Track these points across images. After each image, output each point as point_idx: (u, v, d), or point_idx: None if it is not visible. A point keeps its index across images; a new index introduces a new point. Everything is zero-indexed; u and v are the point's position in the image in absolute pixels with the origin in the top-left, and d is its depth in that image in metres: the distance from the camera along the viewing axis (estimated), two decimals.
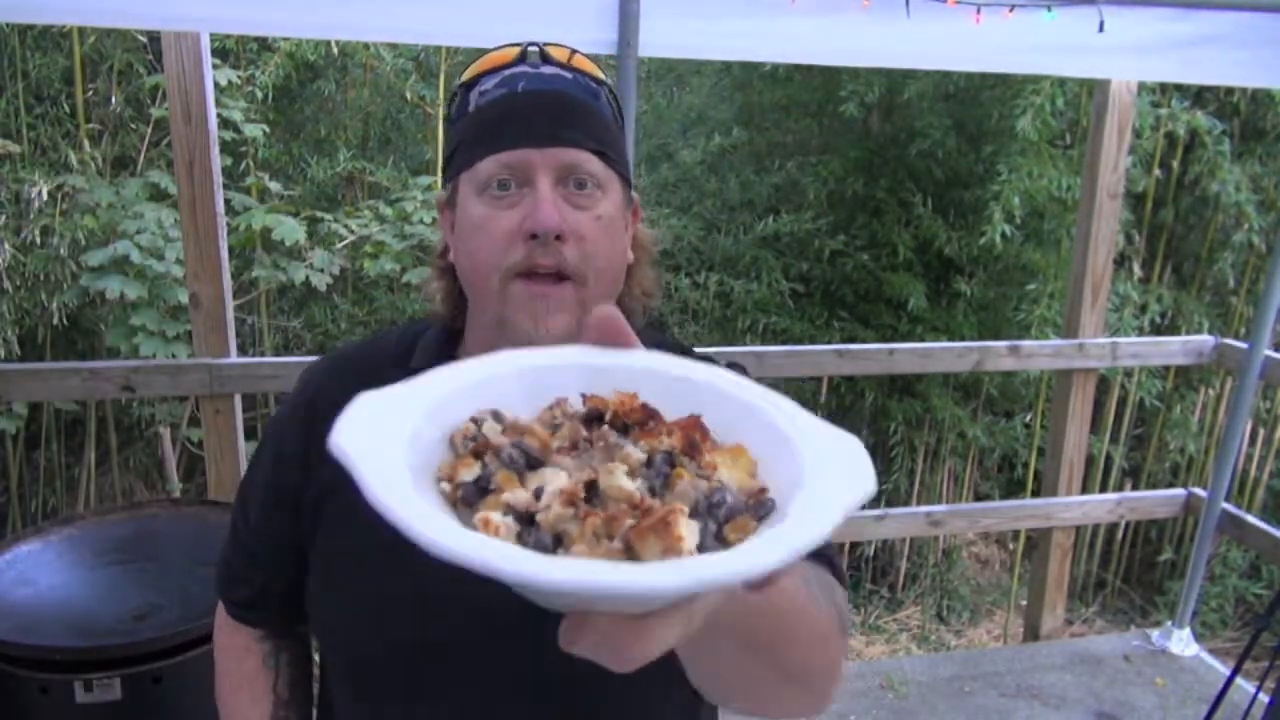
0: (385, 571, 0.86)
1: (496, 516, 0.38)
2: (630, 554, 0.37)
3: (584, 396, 0.45)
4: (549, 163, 0.88)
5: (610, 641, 0.38)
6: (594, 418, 0.44)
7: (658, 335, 1.11)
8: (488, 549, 0.35)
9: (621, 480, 0.39)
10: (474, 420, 0.44)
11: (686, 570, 0.34)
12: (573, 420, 0.44)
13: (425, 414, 0.44)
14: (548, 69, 0.92)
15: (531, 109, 0.89)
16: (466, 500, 0.40)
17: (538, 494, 0.40)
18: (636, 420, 0.44)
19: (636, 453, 0.42)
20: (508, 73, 0.92)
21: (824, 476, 0.41)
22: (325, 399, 0.99)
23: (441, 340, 1.02)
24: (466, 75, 0.95)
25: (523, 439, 0.42)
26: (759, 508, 0.41)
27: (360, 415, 0.42)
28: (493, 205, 0.89)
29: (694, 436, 0.43)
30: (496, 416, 0.44)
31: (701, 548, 0.38)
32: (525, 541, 0.38)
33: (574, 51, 0.95)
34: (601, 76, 0.96)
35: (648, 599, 0.37)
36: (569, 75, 0.92)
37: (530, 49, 0.93)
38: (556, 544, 0.38)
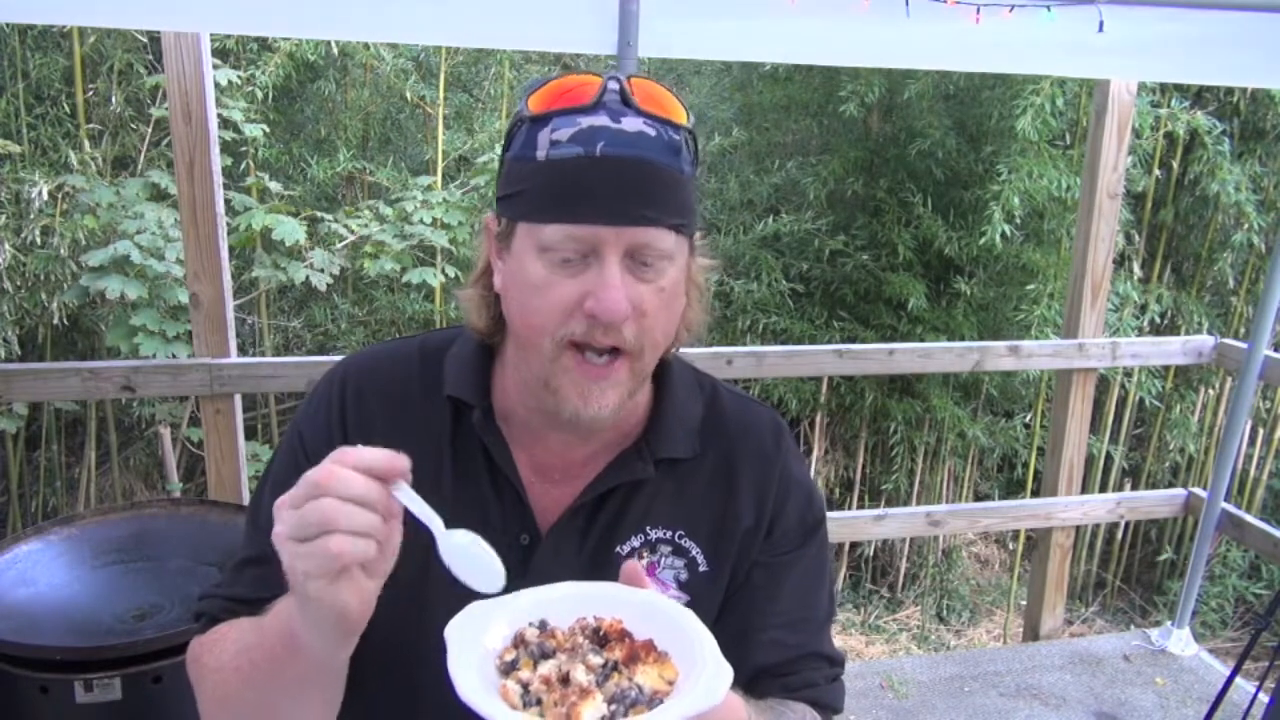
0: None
1: (512, 684, 0.70)
2: (568, 717, 0.68)
3: (595, 618, 0.77)
4: (622, 241, 0.84)
5: None
6: (597, 630, 0.76)
7: (701, 388, 1.07)
8: (490, 707, 0.66)
9: (580, 675, 0.70)
10: (529, 623, 0.76)
11: None
12: (584, 632, 0.75)
13: (508, 615, 0.77)
14: (629, 121, 0.84)
15: (609, 180, 0.83)
16: (503, 671, 0.72)
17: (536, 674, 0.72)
18: (615, 636, 0.75)
19: (595, 659, 0.72)
20: (585, 123, 0.84)
21: (692, 690, 0.70)
22: (355, 427, 0.99)
23: (477, 360, 0.99)
24: (536, 107, 0.87)
25: (546, 641, 0.74)
26: (652, 702, 0.70)
27: (469, 613, 0.75)
28: (554, 270, 0.85)
29: (638, 652, 0.73)
30: (542, 624, 0.76)
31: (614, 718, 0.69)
32: (526, 700, 0.69)
33: (650, 79, 0.89)
34: (683, 120, 0.88)
35: None
36: (652, 131, 0.85)
37: (609, 89, 0.85)
38: (537, 704, 0.69)
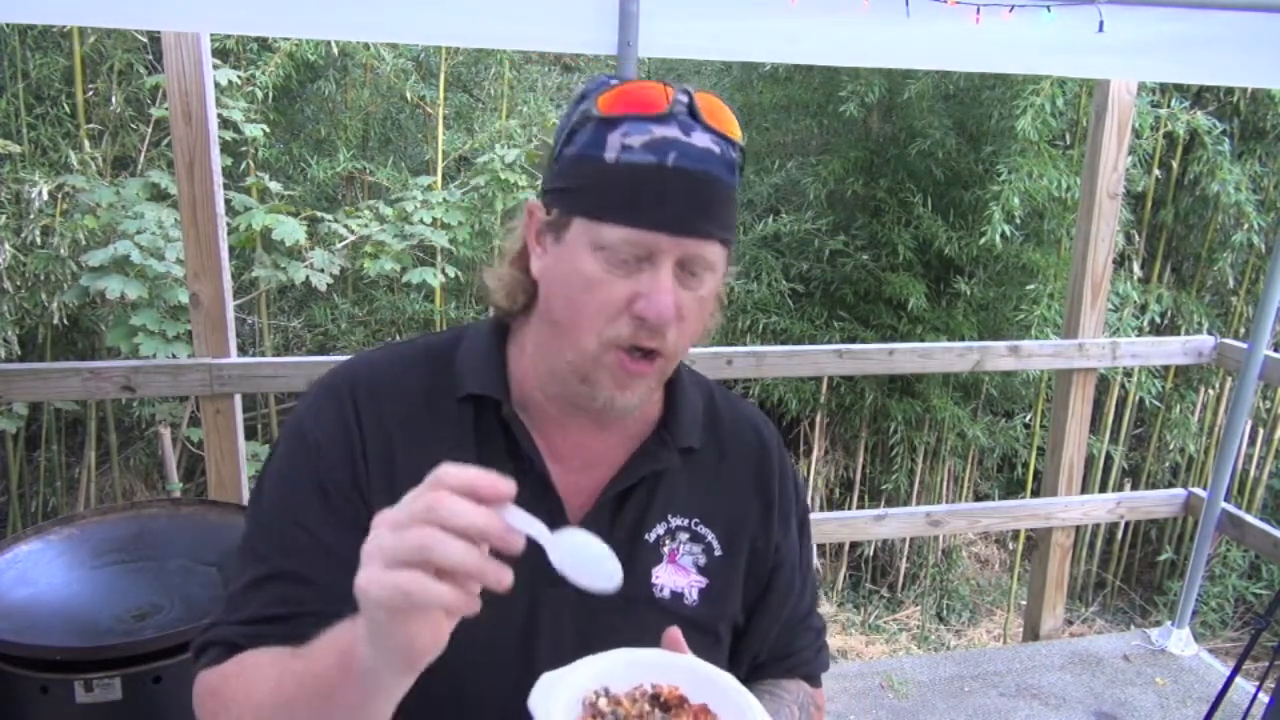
0: None
1: None
2: None
3: (653, 685, 0.85)
4: (677, 250, 0.88)
5: None
6: (656, 696, 0.84)
7: (704, 390, 1.12)
8: None
9: None
10: (594, 693, 0.83)
11: None
12: (644, 698, 0.84)
13: (576, 682, 0.82)
14: (699, 137, 0.88)
15: (679, 192, 0.87)
16: None
17: None
18: (674, 702, 0.83)
19: None
20: (659, 132, 0.87)
21: None
22: (372, 430, 0.97)
23: (491, 353, 0.99)
24: (606, 108, 0.89)
25: (616, 708, 0.81)
26: None
27: (542, 685, 0.81)
28: (607, 268, 0.88)
29: (699, 715, 0.83)
30: (606, 691, 0.83)
31: None
32: None
33: (709, 93, 0.91)
34: (739, 137, 0.92)
35: None
36: (717, 149, 0.89)
37: (679, 100, 0.88)
38: None
